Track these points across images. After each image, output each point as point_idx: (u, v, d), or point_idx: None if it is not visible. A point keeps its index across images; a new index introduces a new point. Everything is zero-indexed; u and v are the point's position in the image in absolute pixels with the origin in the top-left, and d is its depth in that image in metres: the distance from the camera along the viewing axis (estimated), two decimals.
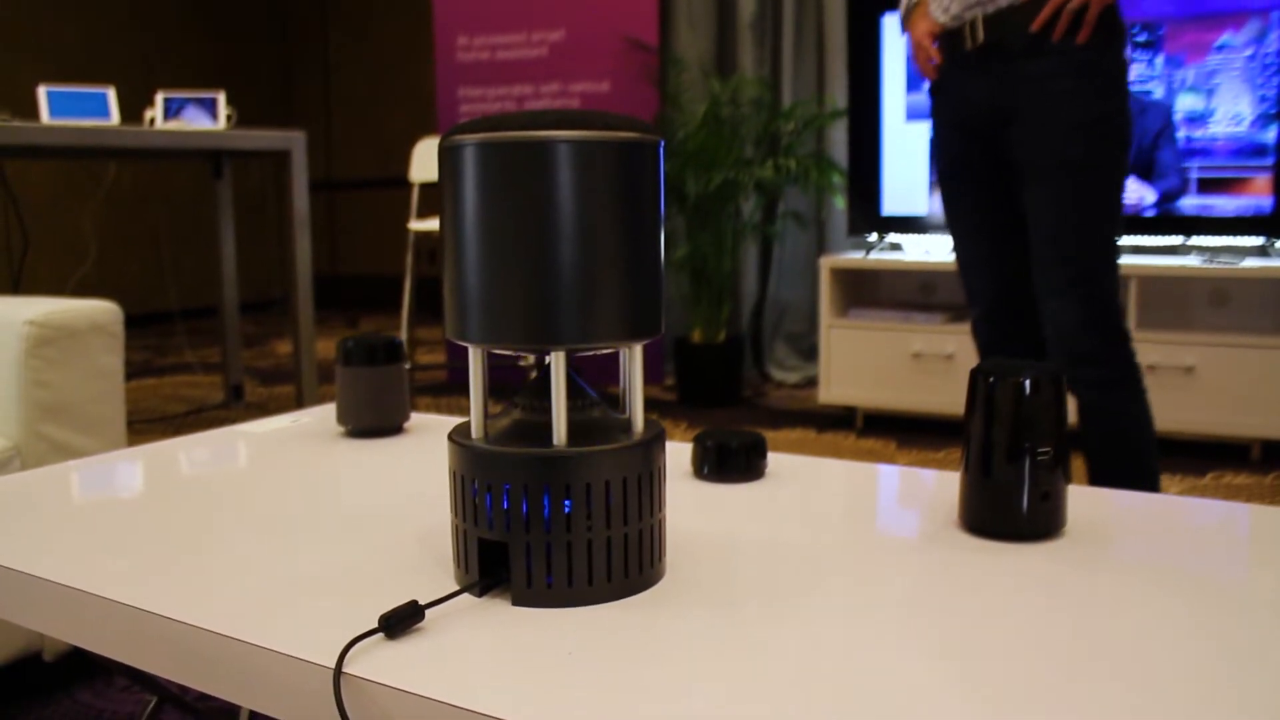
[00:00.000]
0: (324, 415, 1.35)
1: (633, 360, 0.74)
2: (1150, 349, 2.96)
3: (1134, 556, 0.80)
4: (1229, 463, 2.91)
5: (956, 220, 1.93)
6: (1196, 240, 3.20)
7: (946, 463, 2.98)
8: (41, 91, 3.11)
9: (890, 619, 0.68)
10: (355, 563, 0.80)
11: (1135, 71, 3.13)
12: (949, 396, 3.31)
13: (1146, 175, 3.19)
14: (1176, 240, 3.23)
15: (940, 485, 1.01)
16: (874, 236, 3.63)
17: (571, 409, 0.73)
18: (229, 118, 3.44)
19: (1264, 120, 3.02)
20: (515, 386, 0.77)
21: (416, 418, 1.32)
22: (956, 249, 1.95)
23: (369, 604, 0.71)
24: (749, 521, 0.90)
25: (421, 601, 0.68)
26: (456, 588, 0.73)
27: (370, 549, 0.83)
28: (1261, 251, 3.19)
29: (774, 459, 1.10)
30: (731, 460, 1.02)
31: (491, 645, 0.65)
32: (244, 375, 4.17)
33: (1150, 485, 1.76)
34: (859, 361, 3.45)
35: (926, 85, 1.96)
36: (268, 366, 4.93)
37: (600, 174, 0.67)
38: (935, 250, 3.58)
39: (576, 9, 4.13)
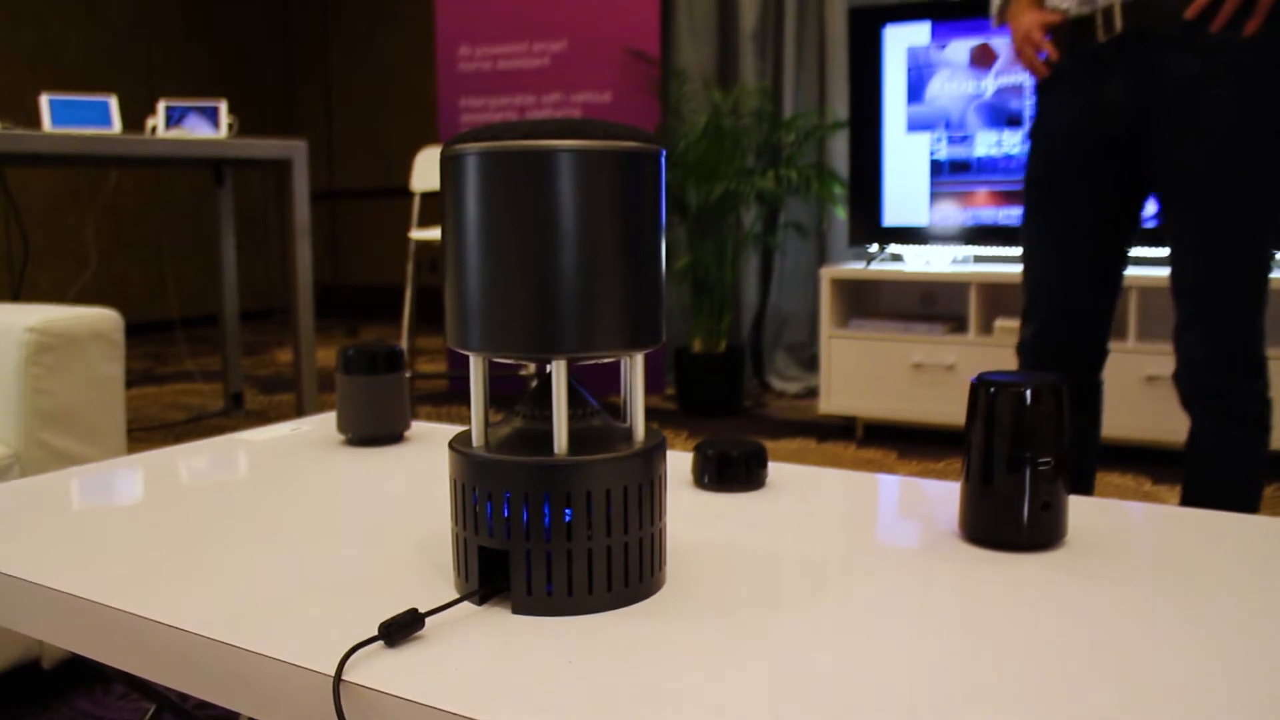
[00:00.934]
0: (324, 423, 1.35)
1: (634, 369, 0.74)
2: (1150, 360, 2.96)
3: (1135, 567, 0.80)
4: None
5: (1041, 231, 1.72)
6: None
7: (947, 473, 2.98)
8: (43, 100, 3.12)
9: (890, 629, 0.68)
10: (355, 570, 0.80)
11: None
12: (949, 407, 3.31)
13: None
14: None
15: (941, 495, 1.01)
16: (875, 247, 3.63)
17: (572, 418, 0.73)
18: (230, 126, 3.45)
19: None
20: (516, 396, 0.77)
21: (417, 426, 1.31)
22: (1029, 260, 1.75)
23: (369, 612, 0.71)
24: (749, 531, 0.89)
25: (421, 609, 0.68)
26: (456, 596, 0.73)
27: (370, 557, 0.83)
28: None
29: (775, 468, 1.10)
30: (732, 469, 1.02)
31: (491, 654, 0.65)
32: (244, 384, 4.17)
33: None
34: (859, 372, 3.45)
35: (1032, 81, 1.74)
36: (268, 375, 4.93)
37: (601, 183, 0.67)
38: (936, 261, 3.58)
39: (578, 20, 4.14)
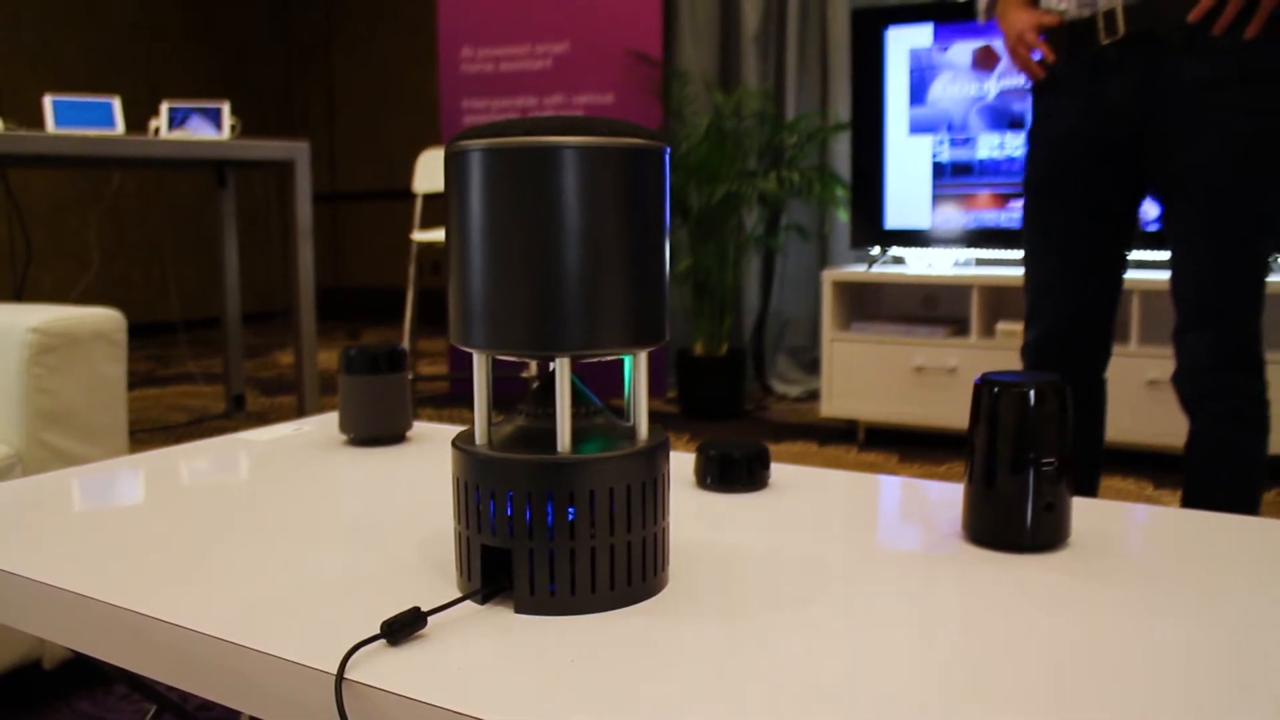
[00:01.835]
0: (326, 424, 1.34)
1: (637, 368, 0.74)
2: (1151, 363, 2.95)
3: (1138, 568, 0.79)
4: None
5: (1042, 235, 1.72)
6: None
7: (948, 476, 2.97)
8: (47, 101, 3.12)
9: (893, 629, 0.68)
10: (357, 569, 0.79)
11: None
12: (951, 410, 3.31)
13: None
14: None
15: (943, 496, 1.00)
16: (877, 250, 3.63)
17: (575, 416, 0.73)
18: (233, 128, 3.45)
19: None
20: (517, 399, 0.77)
21: (419, 427, 1.31)
22: (1028, 264, 1.76)
23: (371, 611, 0.71)
24: (752, 531, 0.89)
25: (424, 608, 0.68)
26: (459, 595, 0.73)
27: (372, 556, 0.83)
28: None
29: (777, 469, 1.10)
30: (735, 470, 1.02)
31: (494, 652, 0.64)
32: (246, 386, 4.17)
33: None
34: (861, 375, 3.45)
35: (1027, 84, 1.74)
36: (269, 377, 4.93)
37: (605, 180, 0.67)
38: (938, 264, 3.58)
39: (580, 21, 4.14)
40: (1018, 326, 3.14)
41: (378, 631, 0.65)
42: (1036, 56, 1.67)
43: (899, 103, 3.51)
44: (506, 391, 4.13)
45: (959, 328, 3.43)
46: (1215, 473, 1.61)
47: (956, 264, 3.58)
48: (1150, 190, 1.65)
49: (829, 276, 3.48)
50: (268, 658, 0.65)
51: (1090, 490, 1.79)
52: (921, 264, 3.61)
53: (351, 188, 7.46)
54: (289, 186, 3.28)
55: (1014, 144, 3.34)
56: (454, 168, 0.69)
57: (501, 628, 0.68)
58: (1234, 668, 0.62)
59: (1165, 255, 3.18)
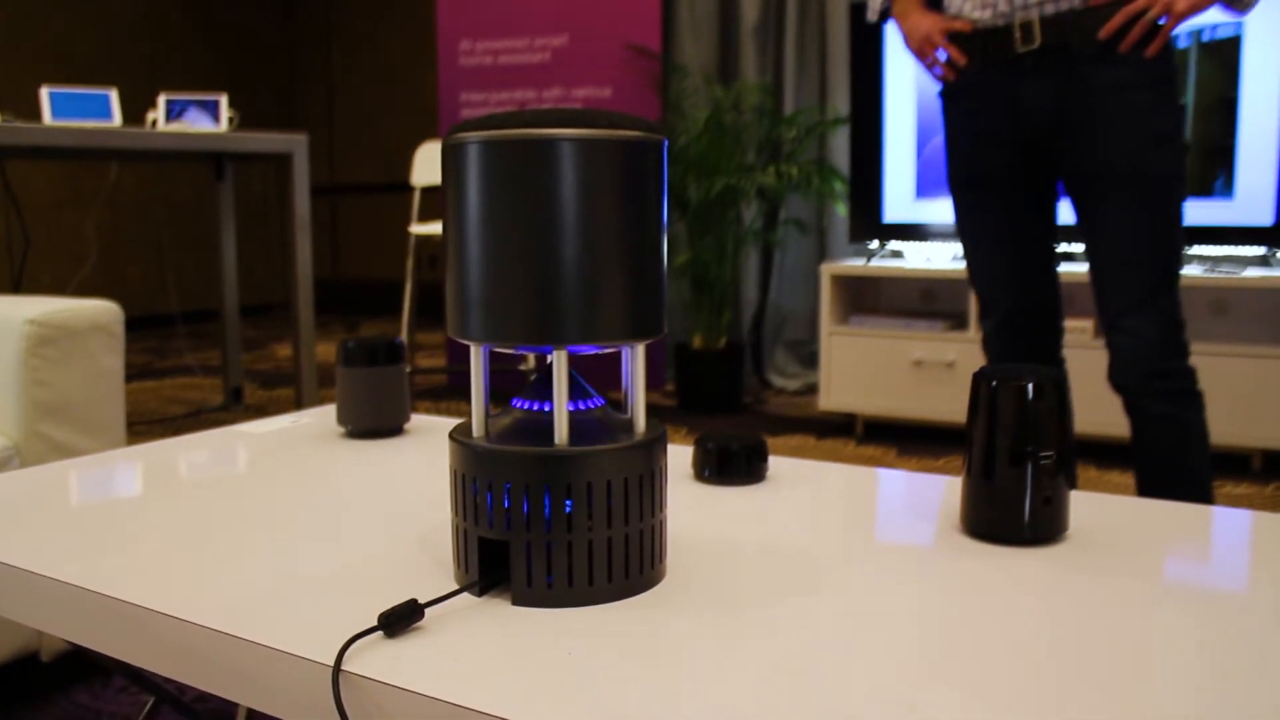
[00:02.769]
0: (324, 416, 1.34)
1: (635, 360, 0.74)
2: None
3: (1136, 562, 0.79)
4: (1230, 473, 2.91)
5: (978, 230, 1.85)
6: (1197, 250, 3.19)
7: (946, 470, 2.98)
8: (44, 92, 3.11)
9: (891, 623, 0.68)
10: (354, 561, 0.79)
11: None
12: (949, 404, 3.31)
13: None
14: None
15: (942, 490, 1.01)
16: (875, 243, 3.63)
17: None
18: (231, 120, 3.44)
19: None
20: (514, 392, 0.77)
21: (417, 419, 1.31)
22: (971, 259, 1.87)
23: (368, 603, 0.71)
24: (750, 524, 0.89)
25: (421, 600, 0.68)
26: (456, 587, 0.73)
27: (370, 548, 0.83)
28: (1262, 261, 3.19)
29: (775, 462, 1.10)
30: (733, 463, 1.02)
31: (491, 644, 0.64)
32: (244, 379, 4.16)
33: (1207, 500, 1.70)
34: (859, 368, 3.45)
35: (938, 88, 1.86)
36: (267, 370, 4.93)
37: (603, 172, 0.67)
38: (936, 258, 3.58)
39: (579, 15, 4.14)
40: None
41: (375, 623, 0.65)
42: (944, 58, 1.77)
43: (897, 96, 3.51)
44: (504, 385, 4.13)
45: (957, 322, 3.43)
46: (1176, 454, 1.70)
47: (955, 258, 3.57)
48: (1070, 186, 1.76)
49: (827, 270, 3.48)
50: (265, 649, 0.65)
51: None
52: (920, 258, 3.61)
53: (350, 181, 7.45)
54: (287, 179, 3.27)
55: None
56: (452, 160, 0.69)
57: (499, 620, 0.68)
58: (1233, 660, 0.62)
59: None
